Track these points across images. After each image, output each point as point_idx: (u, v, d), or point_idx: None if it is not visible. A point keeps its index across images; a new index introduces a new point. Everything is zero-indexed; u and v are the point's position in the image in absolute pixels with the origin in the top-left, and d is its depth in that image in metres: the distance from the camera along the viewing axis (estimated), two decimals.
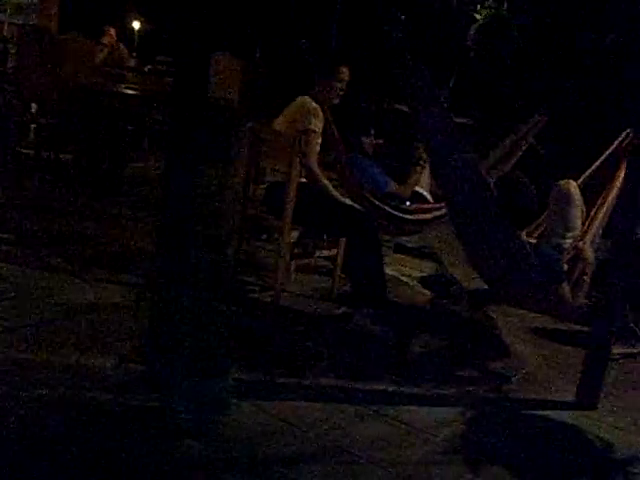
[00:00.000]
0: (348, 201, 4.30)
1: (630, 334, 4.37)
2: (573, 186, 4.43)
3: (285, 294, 4.31)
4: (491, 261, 4.05)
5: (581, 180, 4.62)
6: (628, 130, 4.57)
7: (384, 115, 8.13)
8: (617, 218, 3.68)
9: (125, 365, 3.11)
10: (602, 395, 3.65)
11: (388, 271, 5.11)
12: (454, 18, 9.80)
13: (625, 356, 4.33)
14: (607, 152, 4.68)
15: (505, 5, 9.11)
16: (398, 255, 5.76)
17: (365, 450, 2.90)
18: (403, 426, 3.13)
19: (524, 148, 5.06)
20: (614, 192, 4.47)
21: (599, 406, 3.62)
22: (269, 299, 4.21)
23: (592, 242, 4.36)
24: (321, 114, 4.27)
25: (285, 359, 3.60)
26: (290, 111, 4.40)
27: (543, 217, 4.65)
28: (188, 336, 2.86)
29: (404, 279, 5.10)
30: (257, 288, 4.50)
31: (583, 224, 4.43)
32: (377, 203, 4.58)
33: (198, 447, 2.70)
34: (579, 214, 4.40)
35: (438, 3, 10.10)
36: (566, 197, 4.39)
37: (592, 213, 4.48)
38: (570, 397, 3.67)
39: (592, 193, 4.56)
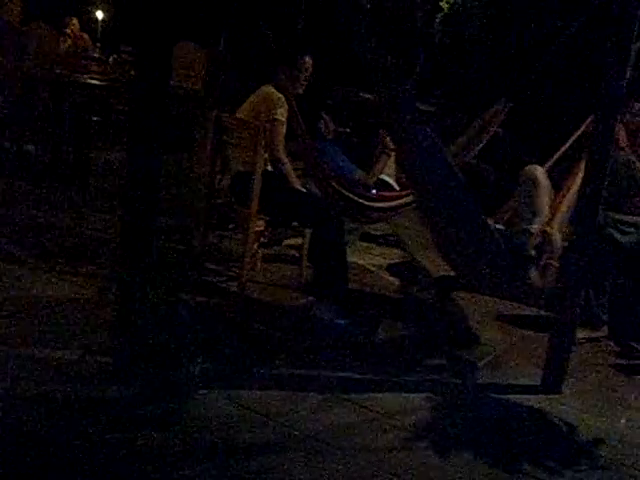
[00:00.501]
0: (313, 189, 4.29)
1: (594, 318, 4.42)
2: (540, 171, 4.44)
3: (251, 283, 4.30)
4: (458, 247, 4.06)
5: (548, 165, 4.66)
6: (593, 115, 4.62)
7: (350, 103, 8.13)
8: (578, 203, 3.71)
9: (89, 357, 3.08)
10: (567, 379, 3.69)
11: (355, 259, 5.13)
12: (420, 7, 9.81)
13: (589, 340, 4.39)
14: (573, 137, 4.73)
15: None
16: (365, 243, 5.77)
17: (332, 437, 2.90)
18: (370, 413, 3.14)
19: (489, 135, 5.09)
20: (580, 176, 4.51)
21: (564, 390, 3.66)
22: (235, 288, 4.20)
23: (560, 227, 4.39)
24: (286, 103, 4.26)
25: (251, 348, 3.59)
26: (254, 100, 4.38)
27: (510, 203, 4.68)
28: (153, 327, 2.83)
29: (371, 267, 5.11)
30: (223, 278, 4.48)
31: (551, 209, 4.44)
32: (343, 191, 4.56)
33: (160, 437, 2.69)
34: (546, 199, 4.40)
35: None
36: (533, 182, 4.39)
37: (559, 198, 4.52)
38: (536, 382, 3.70)
39: (559, 178, 4.61)
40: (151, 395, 2.77)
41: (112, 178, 6.46)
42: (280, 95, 4.28)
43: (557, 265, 4.22)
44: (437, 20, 9.25)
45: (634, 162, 5.08)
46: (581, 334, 4.16)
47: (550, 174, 4.51)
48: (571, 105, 7.20)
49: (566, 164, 4.67)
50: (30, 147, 6.84)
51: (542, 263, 4.25)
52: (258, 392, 3.17)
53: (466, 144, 5.01)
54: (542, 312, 4.68)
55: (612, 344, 4.45)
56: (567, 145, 4.75)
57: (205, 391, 3.00)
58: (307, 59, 4.43)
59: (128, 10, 10.61)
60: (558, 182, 4.55)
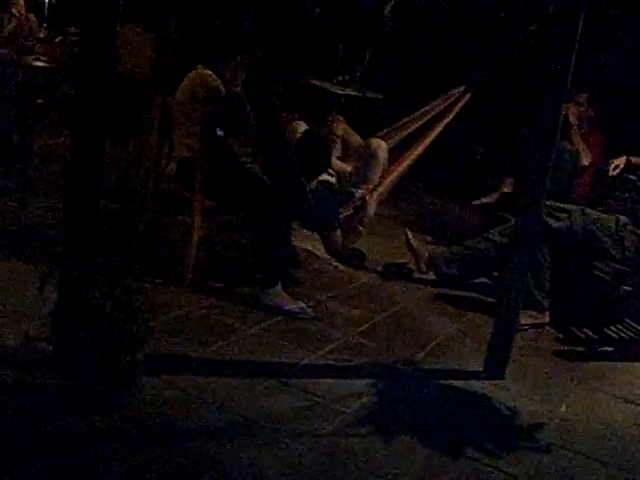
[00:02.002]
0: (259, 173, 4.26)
1: (536, 304, 4.49)
2: (383, 147, 4.99)
3: (197, 269, 4.27)
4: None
5: (391, 140, 5.15)
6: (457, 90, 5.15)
7: (299, 90, 8.11)
8: (522, 191, 3.77)
9: (31, 344, 3.03)
10: (509, 365, 3.74)
11: (304, 245, 5.14)
12: None
13: (532, 326, 4.46)
14: (420, 111, 5.18)
15: None
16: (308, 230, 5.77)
17: (277, 423, 2.91)
18: (314, 398, 3.16)
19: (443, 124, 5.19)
20: (412, 157, 5.16)
21: (506, 375, 3.71)
22: (182, 274, 4.17)
23: (379, 197, 5.00)
24: (218, 79, 4.19)
25: (196, 334, 3.58)
26: (188, 81, 4.28)
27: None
28: (96, 312, 2.80)
29: (318, 253, 5.11)
30: (169, 263, 4.44)
31: (380, 179, 5.01)
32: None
33: (105, 422, 2.67)
34: (379, 171, 4.97)
35: None
36: (373, 154, 4.96)
37: (389, 172, 5.06)
38: (479, 367, 3.75)
39: (399, 150, 5.17)
40: (93, 382, 2.74)
41: (55, 162, 6.35)
42: (210, 71, 4.21)
43: (363, 230, 4.99)
44: (387, 8, 9.26)
45: (578, 152, 5.19)
46: (524, 320, 4.23)
47: (392, 145, 5.10)
48: (520, 91, 7.30)
49: (410, 139, 5.16)
50: None
51: (350, 225, 4.90)
52: (201, 377, 3.16)
53: (417, 130, 5.11)
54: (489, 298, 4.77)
55: (555, 330, 4.53)
56: (411, 125, 5.18)
57: (149, 377, 2.98)
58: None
59: None
60: (395, 154, 5.13)
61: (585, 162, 5.30)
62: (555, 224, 4.52)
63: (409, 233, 5.03)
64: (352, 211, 4.92)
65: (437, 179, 7.82)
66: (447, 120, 5.21)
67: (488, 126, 7.62)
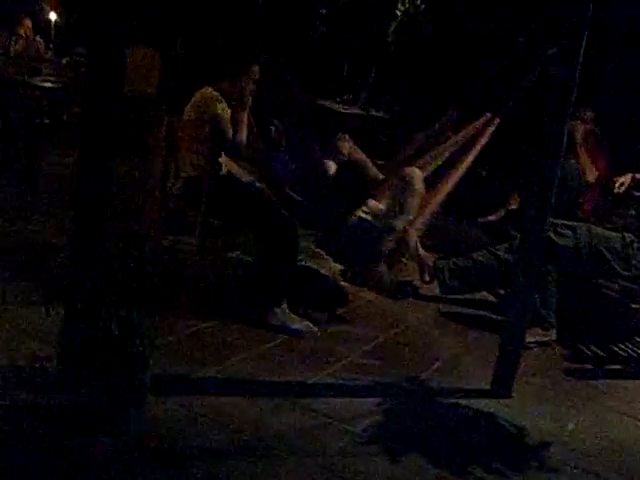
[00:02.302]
0: (266, 194, 4.27)
1: (543, 322, 4.48)
2: (418, 175, 4.78)
3: (203, 288, 4.27)
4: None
5: (427, 171, 5.00)
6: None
7: (304, 108, 8.14)
8: (526, 209, 3.77)
9: (39, 364, 3.04)
10: (516, 383, 3.73)
11: (308, 264, 5.13)
12: (375, 14, 9.88)
13: (539, 344, 4.45)
14: (454, 139, 5.08)
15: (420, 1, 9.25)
16: (318, 249, 5.77)
17: (284, 442, 2.91)
18: (321, 417, 3.15)
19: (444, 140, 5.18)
20: (449, 186, 5.00)
21: (514, 394, 3.70)
22: (187, 294, 4.17)
23: (419, 229, 4.85)
24: (224, 101, 4.22)
25: (202, 353, 3.58)
26: (193, 103, 4.32)
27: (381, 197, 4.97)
28: (103, 332, 2.80)
29: (325, 272, 5.11)
30: (174, 282, 4.44)
31: (418, 211, 4.81)
32: (297, 197, 4.59)
33: (112, 443, 2.67)
34: (417, 202, 4.76)
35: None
36: (409, 184, 4.73)
37: (426, 202, 4.87)
38: (486, 385, 3.74)
39: (435, 180, 4.99)
40: (101, 402, 2.74)
41: (63, 182, 6.37)
42: (216, 93, 4.24)
43: (406, 263, 4.85)
44: (391, 28, 9.32)
45: (582, 169, 5.19)
46: (530, 338, 4.22)
47: (427, 177, 4.91)
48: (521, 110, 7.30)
49: (445, 167, 5.01)
50: None
51: (394, 259, 4.74)
52: (208, 397, 3.16)
53: (419, 150, 5.10)
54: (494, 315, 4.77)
55: (562, 348, 4.52)
56: (445, 152, 5.06)
57: (156, 396, 2.98)
58: (254, 68, 4.38)
59: (81, 11, 10.52)
60: (432, 183, 4.94)
61: (591, 179, 5.30)
62: (561, 241, 4.52)
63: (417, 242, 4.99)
64: (394, 244, 4.73)
65: None
66: (479, 146, 5.16)
67: (493, 143, 7.62)
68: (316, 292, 4.64)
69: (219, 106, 4.18)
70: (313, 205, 4.18)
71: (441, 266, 4.93)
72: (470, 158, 5.14)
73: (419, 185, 4.77)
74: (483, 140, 5.18)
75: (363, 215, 4.72)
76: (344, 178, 4.45)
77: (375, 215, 4.81)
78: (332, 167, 4.76)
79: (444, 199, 5.07)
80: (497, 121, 5.19)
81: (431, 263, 4.95)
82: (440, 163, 5.11)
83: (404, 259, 4.82)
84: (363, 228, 4.55)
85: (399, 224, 4.72)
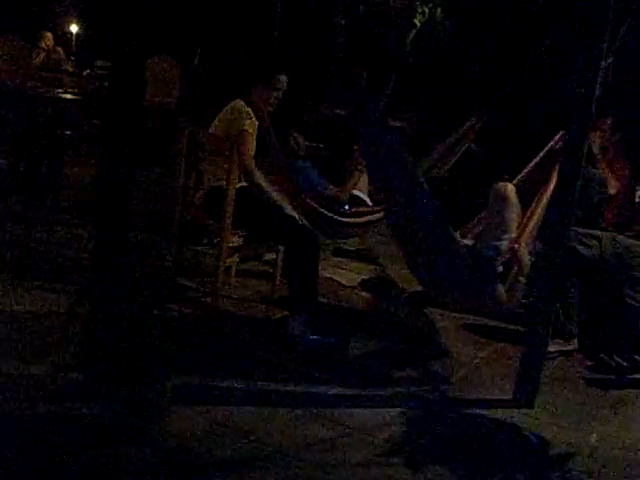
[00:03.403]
0: (286, 205, 4.28)
1: (565, 332, 4.45)
2: (510, 188, 4.45)
3: (225, 299, 4.30)
4: (425, 260, 4.10)
5: (516, 181, 4.70)
6: (563, 132, 4.68)
7: (323, 119, 8.16)
8: (548, 219, 3.75)
9: (62, 374, 3.06)
10: (539, 393, 3.71)
11: (327, 274, 5.14)
12: (393, 24, 9.90)
13: (561, 354, 4.42)
14: (542, 153, 4.79)
15: (439, 10, 9.26)
16: (338, 258, 5.78)
17: (305, 453, 2.90)
18: (343, 428, 3.14)
19: (462, 150, 5.14)
20: (549, 193, 4.51)
21: (536, 404, 3.67)
22: (209, 304, 4.19)
23: (527, 244, 4.40)
24: (253, 116, 4.27)
25: (224, 363, 3.59)
26: (223, 115, 4.38)
27: (479, 217, 4.72)
28: (125, 342, 2.82)
29: (344, 282, 5.11)
30: (197, 293, 4.47)
31: (519, 226, 4.46)
32: (316, 207, 4.59)
33: (135, 453, 2.67)
34: (515, 216, 4.42)
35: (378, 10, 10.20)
36: (503, 199, 4.40)
37: (527, 215, 4.53)
38: (508, 396, 3.72)
39: (528, 194, 4.62)
40: (124, 412, 2.75)
41: (84, 193, 6.42)
42: (248, 108, 4.30)
43: (525, 282, 4.28)
44: (410, 37, 9.34)
45: (605, 178, 5.15)
46: (553, 348, 4.19)
47: (519, 190, 4.54)
48: (543, 121, 7.29)
49: (535, 180, 4.71)
50: (1, 161, 6.78)
51: (510, 280, 4.29)
52: (230, 407, 3.16)
53: (439, 159, 5.06)
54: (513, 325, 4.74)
55: (583, 357, 4.49)
56: (536, 161, 4.81)
57: (178, 406, 2.98)
58: (282, 78, 4.42)
59: (102, 24, 10.60)
60: (526, 198, 4.60)
61: (612, 191, 5.25)
62: (586, 251, 4.47)
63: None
64: (501, 267, 4.34)
65: (461, 207, 7.80)
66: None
67: (514, 152, 7.60)
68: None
69: (247, 122, 4.23)
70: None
71: None
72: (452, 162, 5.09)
73: (513, 198, 4.42)
74: (468, 141, 5.14)
75: (466, 241, 4.47)
76: None
77: (475, 238, 4.58)
78: None
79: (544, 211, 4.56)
80: (482, 121, 5.12)
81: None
82: (529, 175, 4.85)
83: (522, 278, 4.33)
84: (466, 256, 4.13)
85: (503, 244, 4.33)
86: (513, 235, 4.36)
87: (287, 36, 10.26)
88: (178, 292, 4.27)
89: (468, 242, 4.47)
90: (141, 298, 2.96)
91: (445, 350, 4.33)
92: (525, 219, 4.50)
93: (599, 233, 4.59)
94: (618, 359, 4.40)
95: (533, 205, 4.54)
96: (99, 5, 10.69)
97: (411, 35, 9.44)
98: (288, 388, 3.47)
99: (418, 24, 9.39)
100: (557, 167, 4.52)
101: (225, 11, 10.94)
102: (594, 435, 3.50)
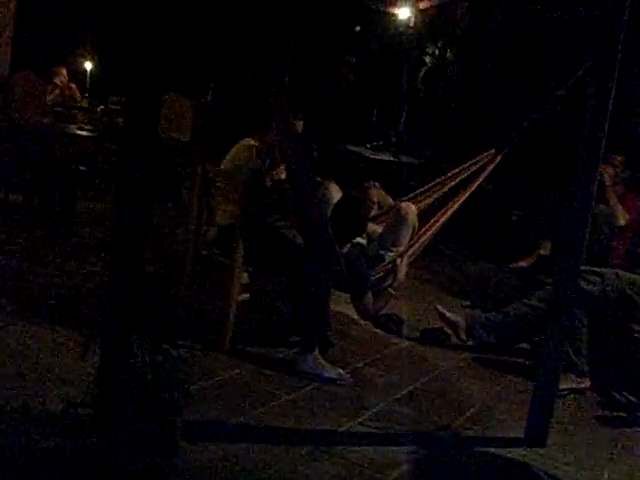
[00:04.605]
0: (299, 240, 4.30)
1: (576, 370, 4.43)
2: (412, 210, 5.03)
3: (237, 335, 4.30)
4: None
5: (421, 204, 5.18)
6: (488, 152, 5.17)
7: (335, 155, 8.22)
8: (558, 258, 3.76)
9: (73, 409, 3.06)
10: (550, 431, 3.69)
11: (341, 309, 5.14)
12: (405, 62, 10.01)
13: (573, 391, 4.40)
14: (445, 177, 5.21)
15: (449, 50, 9.35)
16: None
17: None
18: (354, 466, 3.14)
19: (475, 186, 5.21)
20: (442, 221, 5.14)
21: (548, 442, 3.66)
22: (220, 340, 4.19)
23: (409, 259, 4.96)
24: (263, 154, 4.32)
25: (235, 400, 3.59)
26: (235, 153, 4.43)
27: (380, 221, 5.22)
28: (137, 379, 2.83)
29: (355, 317, 5.11)
30: (208, 330, 4.47)
31: (409, 241, 5.01)
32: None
33: None
34: (409, 234, 4.99)
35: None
36: (403, 218, 4.99)
37: (420, 233, 5.07)
38: (519, 434, 3.70)
39: (429, 213, 5.20)
40: (135, 448, 2.75)
41: (98, 228, 6.47)
42: (256, 146, 4.35)
43: (394, 293, 4.93)
44: (421, 74, 9.43)
45: (615, 213, 5.17)
46: (564, 385, 4.18)
47: (420, 210, 5.13)
48: (552, 156, 7.33)
49: (440, 201, 5.20)
50: (16, 196, 6.84)
51: (381, 288, 4.86)
52: (243, 444, 3.16)
53: (451, 193, 5.15)
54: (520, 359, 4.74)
55: (596, 395, 4.47)
56: (443, 187, 5.22)
57: (189, 443, 2.99)
58: (299, 122, 4.52)
59: (117, 61, 10.74)
60: (425, 216, 5.16)
61: (622, 222, 5.26)
62: (588, 288, 4.49)
63: (440, 308, 5.01)
64: (382, 274, 4.92)
65: (472, 242, 7.83)
66: (477, 182, 5.25)
67: (524, 188, 7.64)
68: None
69: (258, 162, 4.27)
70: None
71: (475, 323, 4.91)
72: (467, 194, 5.21)
73: (412, 218, 5.01)
74: (482, 177, 5.23)
75: (359, 239, 4.92)
76: (342, 214, 4.55)
77: (370, 239, 5.05)
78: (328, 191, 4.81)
79: (436, 234, 5.22)
80: (498, 158, 5.22)
81: (464, 323, 4.92)
82: (435, 197, 5.24)
83: (392, 290, 4.92)
84: (355, 254, 4.73)
85: (389, 255, 4.95)
86: (401, 249, 4.94)
87: (298, 72, 10.37)
88: (189, 328, 4.28)
89: (362, 241, 4.98)
90: (153, 334, 2.97)
91: (456, 387, 4.32)
92: (416, 237, 5.05)
93: (602, 270, 4.62)
94: (629, 396, 4.39)
95: (426, 227, 5.11)
96: (113, 42, 10.86)
97: (422, 72, 9.53)
98: (299, 425, 3.46)
99: (429, 63, 9.49)
100: (462, 193, 5.22)
101: (239, 48, 11.08)
102: (606, 474, 3.49)
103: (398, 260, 4.91)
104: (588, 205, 3.59)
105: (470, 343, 4.94)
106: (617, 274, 4.62)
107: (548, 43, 7.59)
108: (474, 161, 5.24)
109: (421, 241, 5.11)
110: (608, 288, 4.53)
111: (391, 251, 4.99)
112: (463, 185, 5.25)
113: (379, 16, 10.32)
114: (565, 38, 7.24)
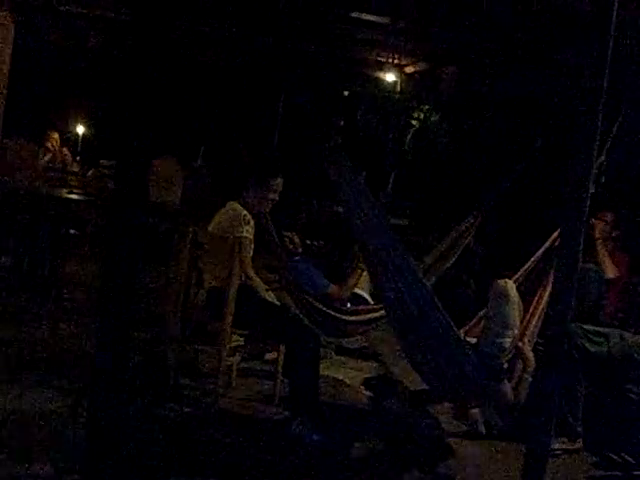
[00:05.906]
0: (288, 304, 4.31)
1: (569, 430, 4.40)
2: (510, 285, 4.45)
3: (226, 398, 4.27)
4: (431, 361, 4.07)
5: (517, 277, 4.70)
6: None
7: (323, 217, 8.27)
8: (547, 315, 3.76)
9: (60, 475, 3.02)
10: None
11: (330, 373, 5.11)
12: (392, 125, 10.15)
13: (566, 452, 4.35)
14: (541, 249, 4.83)
15: (435, 114, 9.49)
16: (340, 357, 5.75)
17: None
18: None
19: (461, 248, 5.19)
20: (549, 289, 4.54)
21: None
22: (210, 404, 4.16)
23: (531, 340, 4.42)
24: (252, 220, 4.35)
25: (225, 464, 3.54)
26: (221, 217, 4.46)
27: (479, 316, 4.73)
28: (126, 443, 2.80)
29: (347, 381, 5.08)
30: (198, 393, 4.44)
31: (522, 321, 4.46)
32: (318, 305, 4.61)
33: None
34: (516, 312, 4.41)
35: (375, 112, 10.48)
36: (503, 296, 4.39)
37: (530, 310, 4.54)
38: None
39: (529, 290, 4.65)
40: None
41: (86, 291, 6.46)
42: (246, 212, 4.37)
43: (530, 378, 4.21)
44: (408, 137, 9.56)
45: (602, 271, 5.17)
46: (557, 445, 4.14)
47: (519, 286, 4.56)
48: (541, 218, 7.37)
49: (535, 277, 4.74)
50: (5, 259, 6.84)
51: (515, 377, 4.28)
52: None
53: (440, 257, 5.10)
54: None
55: (589, 455, 4.43)
56: (535, 257, 4.83)
57: None
58: (278, 180, 4.52)
59: (108, 126, 10.87)
60: (527, 294, 4.62)
61: (610, 274, 5.25)
62: (593, 348, 4.46)
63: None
64: (506, 364, 4.32)
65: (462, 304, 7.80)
66: (463, 246, 5.17)
67: (513, 249, 7.66)
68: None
69: (245, 228, 4.30)
70: None
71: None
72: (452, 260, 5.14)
73: (514, 294, 4.39)
74: (467, 239, 5.19)
75: (468, 339, 4.38)
76: None
77: (477, 336, 4.50)
78: None
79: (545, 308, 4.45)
80: (479, 219, 5.19)
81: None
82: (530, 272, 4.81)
83: (527, 375, 4.27)
84: (470, 354, 4.02)
85: (506, 342, 4.31)
86: (516, 331, 4.35)
87: (287, 137, 10.50)
88: (179, 391, 4.24)
89: (471, 340, 4.42)
90: (142, 398, 2.95)
91: (448, 448, 4.27)
92: (528, 315, 4.50)
93: (606, 330, 4.59)
94: (624, 455, 4.34)
95: (535, 301, 4.55)
96: (105, 108, 10.99)
97: (409, 135, 9.66)
98: None
99: (415, 125, 9.63)
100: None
101: (229, 113, 11.24)
102: None
103: (519, 343, 4.34)
104: (575, 262, 3.59)
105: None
106: (621, 335, 4.58)
107: (533, 108, 7.70)
108: (554, 237, 5.03)
109: (537, 315, 4.50)
110: (613, 349, 4.49)
111: (506, 336, 4.33)
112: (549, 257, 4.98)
113: (367, 80, 10.51)
114: (550, 102, 7.35)
